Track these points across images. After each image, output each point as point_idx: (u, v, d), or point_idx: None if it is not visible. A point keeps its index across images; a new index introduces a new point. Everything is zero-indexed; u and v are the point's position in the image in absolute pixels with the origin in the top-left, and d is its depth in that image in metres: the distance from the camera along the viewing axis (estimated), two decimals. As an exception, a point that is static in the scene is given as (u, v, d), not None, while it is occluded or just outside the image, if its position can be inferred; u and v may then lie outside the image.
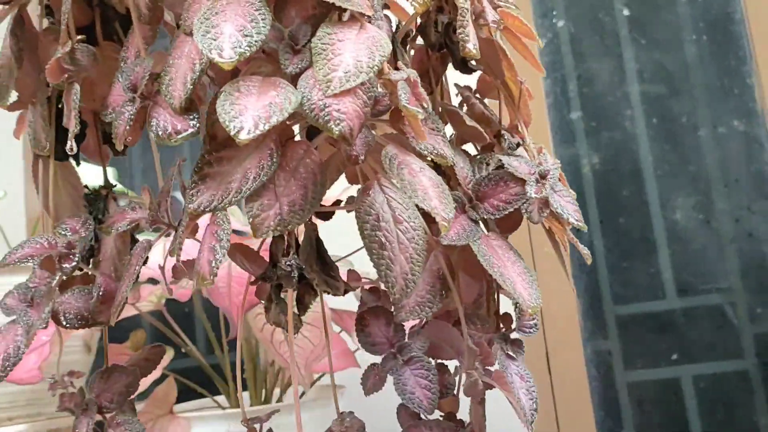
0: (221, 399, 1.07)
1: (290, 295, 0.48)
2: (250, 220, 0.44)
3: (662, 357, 1.46)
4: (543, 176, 0.53)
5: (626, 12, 1.55)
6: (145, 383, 0.83)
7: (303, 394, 0.86)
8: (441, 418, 0.53)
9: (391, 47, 0.45)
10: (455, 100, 0.64)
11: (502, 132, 0.59)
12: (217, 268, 0.42)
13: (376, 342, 0.50)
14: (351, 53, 0.43)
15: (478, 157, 0.56)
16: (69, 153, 0.49)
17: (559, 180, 0.58)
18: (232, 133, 0.40)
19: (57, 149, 0.55)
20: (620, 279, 1.48)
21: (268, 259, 0.48)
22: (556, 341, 1.39)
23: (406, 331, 0.51)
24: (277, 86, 0.43)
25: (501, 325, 0.55)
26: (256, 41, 0.42)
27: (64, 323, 0.51)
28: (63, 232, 0.51)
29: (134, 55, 0.47)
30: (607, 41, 1.55)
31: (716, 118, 1.50)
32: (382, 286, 0.48)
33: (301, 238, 0.52)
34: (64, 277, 0.51)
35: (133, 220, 0.52)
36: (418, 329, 0.52)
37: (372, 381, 0.50)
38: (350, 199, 0.56)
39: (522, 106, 0.59)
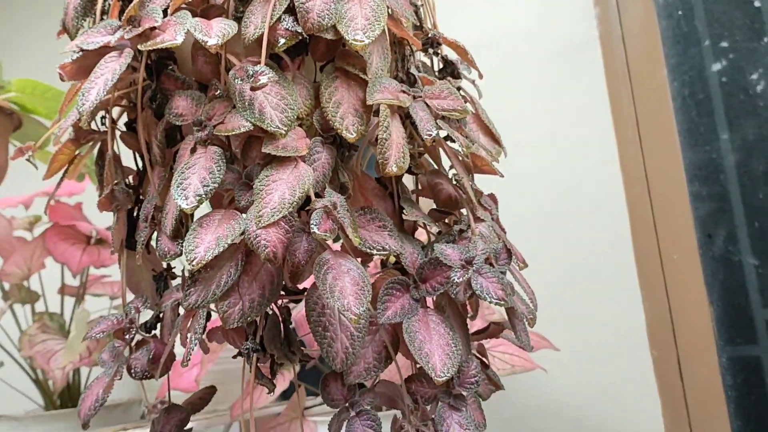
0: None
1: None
2: (221, 315, 0.61)
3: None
4: (469, 262, 0.63)
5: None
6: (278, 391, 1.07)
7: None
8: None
9: (311, 182, 0.59)
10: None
11: (459, 216, 0.70)
12: (191, 354, 0.60)
13: (335, 398, 0.65)
14: (279, 192, 0.58)
15: (430, 242, 0.68)
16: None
17: (503, 255, 0.68)
18: (188, 262, 0.57)
19: (131, 243, 0.76)
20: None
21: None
22: (688, 349, 1.39)
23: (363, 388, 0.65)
24: (232, 219, 0.59)
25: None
26: (211, 189, 0.59)
27: (133, 375, 0.72)
28: (127, 311, 0.72)
29: (153, 190, 0.66)
30: (753, 28, 1.48)
31: None
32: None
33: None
34: (132, 344, 0.72)
35: (176, 299, 0.72)
36: (371, 387, 0.66)
37: (335, 427, 0.65)
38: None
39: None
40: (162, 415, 0.74)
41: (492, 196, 0.80)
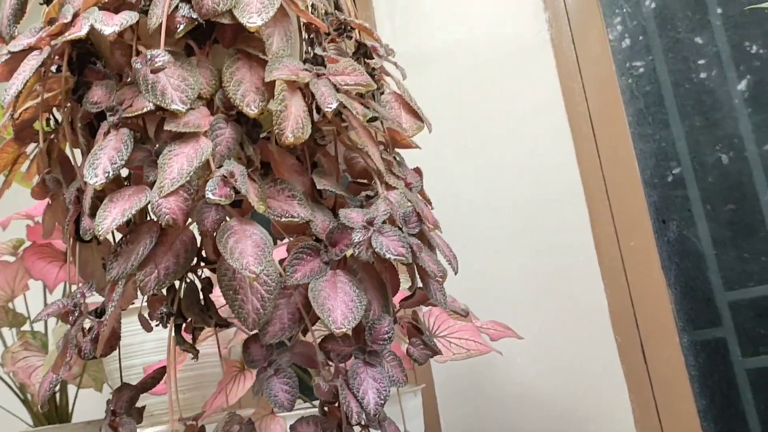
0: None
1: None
2: (139, 285, 0.65)
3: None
4: (370, 223, 0.68)
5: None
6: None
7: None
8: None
9: (208, 153, 0.63)
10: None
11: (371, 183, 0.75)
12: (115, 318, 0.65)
13: (254, 359, 0.69)
14: (178, 164, 0.63)
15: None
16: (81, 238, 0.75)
17: (412, 218, 0.72)
18: (97, 233, 0.62)
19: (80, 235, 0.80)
20: (730, 265, 1.46)
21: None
22: (650, 332, 1.42)
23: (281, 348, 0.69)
24: (140, 192, 0.64)
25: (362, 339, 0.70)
26: (118, 166, 0.64)
27: (83, 356, 0.76)
28: (74, 297, 0.76)
29: (78, 175, 0.71)
30: (694, 20, 1.52)
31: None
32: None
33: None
34: (82, 327, 0.76)
35: (111, 282, 0.76)
36: (289, 347, 0.69)
37: (257, 387, 0.69)
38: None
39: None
40: (114, 394, 0.78)
41: (417, 170, 0.85)
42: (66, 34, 0.66)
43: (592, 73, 1.51)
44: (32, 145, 0.82)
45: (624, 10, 1.56)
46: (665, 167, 1.49)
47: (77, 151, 0.81)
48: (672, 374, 1.38)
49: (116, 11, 0.70)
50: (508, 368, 1.48)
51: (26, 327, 1.53)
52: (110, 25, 0.64)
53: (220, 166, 0.65)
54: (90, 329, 0.78)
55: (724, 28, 1.48)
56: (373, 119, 0.75)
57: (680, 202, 1.48)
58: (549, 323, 1.48)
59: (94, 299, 0.79)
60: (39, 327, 1.51)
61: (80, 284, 0.81)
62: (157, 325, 0.71)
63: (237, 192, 0.63)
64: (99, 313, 0.78)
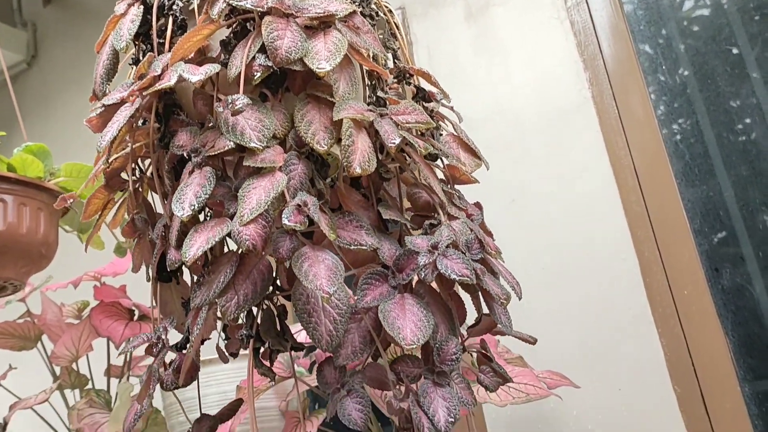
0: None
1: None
2: (221, 310, 0.70)
3: None
4: (434, 247, 0.72)
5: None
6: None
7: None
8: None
9: (284, 185, 0.69)
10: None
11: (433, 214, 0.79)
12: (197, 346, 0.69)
13: (328, 381, 0.72)
14: (257, 195, 0.69)
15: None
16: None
17: (475, 244, 0.76)
18: (184, 260, 0.67)
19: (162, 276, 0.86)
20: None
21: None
22: (710, 382, 1.40)
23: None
24: (222, 223, 0.70)
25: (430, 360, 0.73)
26: (203, 200, 0.69)
27: (165, 388, 0.80)
28: (157, 330, 0.81)
29: (165, 214, 0.77)
30: (734, 74, 1.57)
31: None
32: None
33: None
34: (164, 360, 0.81)
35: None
36: (360, 369, 0.73)
37: (330, 408, 0.72)
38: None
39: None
40: (194, 425, 0.81)
41: (478, 204, 0.89)
42: (156, 85, 0.73)
43: (634, 125, 1.56)
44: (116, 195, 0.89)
45: (663, 68, 1.61)
46: (714, 215, 1.51)
47: (157, 199, 0.88)
48: (735, 425, 1.36)
49: (199, 65, 0.78)
50: (566, 420, 1.47)
51: (89, 387, 1.59)
52: (196, 74, 0.71)
53: (294, 198, 0.70)
54: (171, 362, 0.83)
55: (764, 82, 1.53)
56: (434, 156, 0.80)
57: (731, 250, 1.48)
58: (605, 377, 1.48)
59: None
60: (101, 385, 1.56)
61: (162, 320, 0.86)
62: (237, 350, 0.75)
63: (310, 221, 0.69)
64: (179, 346, 0.83)
